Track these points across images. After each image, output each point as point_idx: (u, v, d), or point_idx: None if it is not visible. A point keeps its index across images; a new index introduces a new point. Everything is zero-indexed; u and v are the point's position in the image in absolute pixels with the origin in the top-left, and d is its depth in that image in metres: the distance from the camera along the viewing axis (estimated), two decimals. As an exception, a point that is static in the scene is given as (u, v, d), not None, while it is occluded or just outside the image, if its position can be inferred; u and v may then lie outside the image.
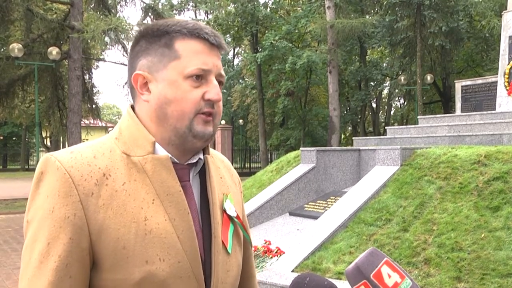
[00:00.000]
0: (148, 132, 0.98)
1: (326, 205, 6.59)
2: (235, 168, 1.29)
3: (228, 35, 29.56)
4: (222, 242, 1.02)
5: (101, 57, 24.71)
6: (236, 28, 27.93)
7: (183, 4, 27.65)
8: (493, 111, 9.31)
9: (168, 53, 0.97)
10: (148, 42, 0.99)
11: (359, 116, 28.97)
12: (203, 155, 1.05)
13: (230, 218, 1.06)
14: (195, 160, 1.02)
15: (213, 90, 0.97)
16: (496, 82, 9.95)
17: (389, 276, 0.93)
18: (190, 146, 0.98)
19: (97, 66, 28.65)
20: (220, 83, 1.01)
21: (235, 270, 1.05)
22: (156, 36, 0.99)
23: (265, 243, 4.95)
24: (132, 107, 1.03)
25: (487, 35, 20.49)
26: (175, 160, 0.99)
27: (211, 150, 1.13)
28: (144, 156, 0.96)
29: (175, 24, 0.99)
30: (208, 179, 1.04)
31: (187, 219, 0.96)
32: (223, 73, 1.02)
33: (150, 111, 0.98)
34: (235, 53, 40.11)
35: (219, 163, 1.14)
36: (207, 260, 0.99)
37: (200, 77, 0.96)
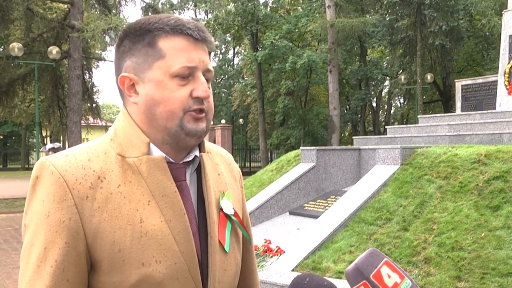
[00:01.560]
0: (142, 133, 0.97)
1: (326, 204, 6.59)
2: None
3: (228, 35, 29.59)
4: (219, 241, 1.01)
5: (101, 56, 24.72)
6: (236, 28, 27.95)
7: (183, 4, 27.64)
8: (493, 110, 9.30)
9: (152, 52, 0.95)
10: (132, 42, 0.97)
11: (359, 116, 28.96)
12: (199, 152, 1.04)
13: (227, 216, 1.05)
14: (190, 158, 1.01)
15: (201, 87, 0.95)
16: (496, 81, 9.94)
17: (389, 277, 0.93)
18: (183, 144, 0.97)
19: (97, 65, 28.68)
20: (208, 78, 0.99)
21: (233, 269, 1.04)
22: (139, 35, 0.96)
23: (265, 242, 4.94)
24: None
25: (487, 34, 20.47)
26: (171, 159, 0.98)
27: (210, 144, 1.12)
28: (139, 157, 0.95)
29: (157, 21, 0.96)
30: (203, 178, 1.03)
31: (183, 220, 0.95)
32: (211, 68, 0.99)
33: (139, 113, 0.97)
34: (235, 52, 40.14)
35: (218, 159, 1.12)
36: (204, 260, 0.98)
37: (186, 75, 0.95)
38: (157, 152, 0.97)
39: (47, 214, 0.88)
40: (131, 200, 0.92)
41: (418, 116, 11.10)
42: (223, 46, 38.04)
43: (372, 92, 27.68)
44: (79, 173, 0.91)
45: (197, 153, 1.03)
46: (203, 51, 0.98)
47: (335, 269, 4.46)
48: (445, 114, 10.99)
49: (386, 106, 35.07)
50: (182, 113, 0.94)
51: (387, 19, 19.65)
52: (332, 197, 6.82)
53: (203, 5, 23.70)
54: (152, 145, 0.97)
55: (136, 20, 1.00)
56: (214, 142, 23.99)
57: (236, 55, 40.55)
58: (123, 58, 0.99)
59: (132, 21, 1.02)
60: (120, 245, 0.89)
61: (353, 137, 10.70)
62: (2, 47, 19.71)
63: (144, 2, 17.13)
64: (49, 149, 17.65)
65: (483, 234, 4.44)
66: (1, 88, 16.48)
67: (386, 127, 11.82)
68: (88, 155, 0.95)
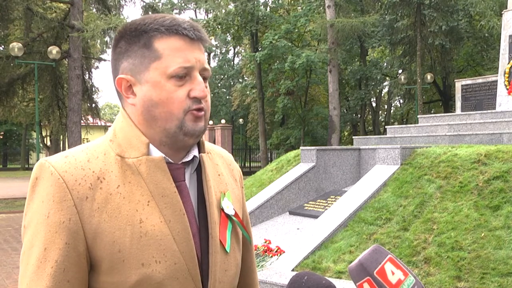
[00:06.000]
0: (141, 134, 0.97)
1: (326, 204, 6.59)
2: None
3: (228, 34, 29.57)
4: (220, 241, 1.01)
5: (101, 56, 24.70)
6: (236, 27, 27.94)
7: (183, 3, 27.65)
8: (493, 110, 9.30)
9: (148, 53, 0.94)
10: (128, 43, 0.97)
11: (359, 116, 28.97)
12: (199, 153, 1.04)
13: (228, 216, 1.05)
14: (189, 158, 1.01)
15: (198, 87, 0.95)
16: (496, 81, 9.95)
17: (393, 273, 0.93)
18: (181, 144, 0.97)
19: (97, 66, 28.67)
20: (205, 77, 0.99)
21: (233, 269, 1.05)
22: (135, 37, 0.96)
23: (265, 242, 4.93)
24: None
25: (486, 34, 20.48)
26: (170, 160, 0.98)
27: (210, 145, 1.12)
28: (138, 157, 0.95)
29: (152, 22, 0.95)
30: (204, 178, 1.03)
31: (183, 220, 0.95)
32: (207, 66, 0.99)
33: (137, 114, 0.97)
34: (235, 52, 40.14)
35: (218, 159, 1.12)
36: (205, 260, 0.98)
37: (183, 75, 0.94)
38: (156, 153, 0.97)
39: (47, 215, 0.88)
40: (130, 200, 0.93)
41: (418, 116, 11.10)
42: (223, 46, 38.01)
43: (372, 92, 27.68)
44: (78, 174, 0.91)
45: (196, 153, 1.03)
46: (199, 50, 0.98)
47: (335, 269, 4.46)
48: (445, 114, 10.99)
49: (386, 106, 35.08)
50: (182, 114, 0.94)
51: (387, 19, 19.66)
52: (332, 197, 6.82)
53: (203, 4, 23.71)
54: (151, 146, 0.97)
55: (131, 20, 1.00)
56: (214, 142, 23.98)
57: (236, 55, 40.57)
58: (119, 59, 0.98)
59: (127, 22, 1.01)
60: (119, 245, 0.90)
61: (353, 137, 10.69)
62: (2, 46, 19.69)
63: (144, 2, 17.12)
64: None
65: (483, 234, 4.44)
66: (1, 88, 16.47)
67: (386, 127, 11.83)
68: (88, 156, 0.95)
